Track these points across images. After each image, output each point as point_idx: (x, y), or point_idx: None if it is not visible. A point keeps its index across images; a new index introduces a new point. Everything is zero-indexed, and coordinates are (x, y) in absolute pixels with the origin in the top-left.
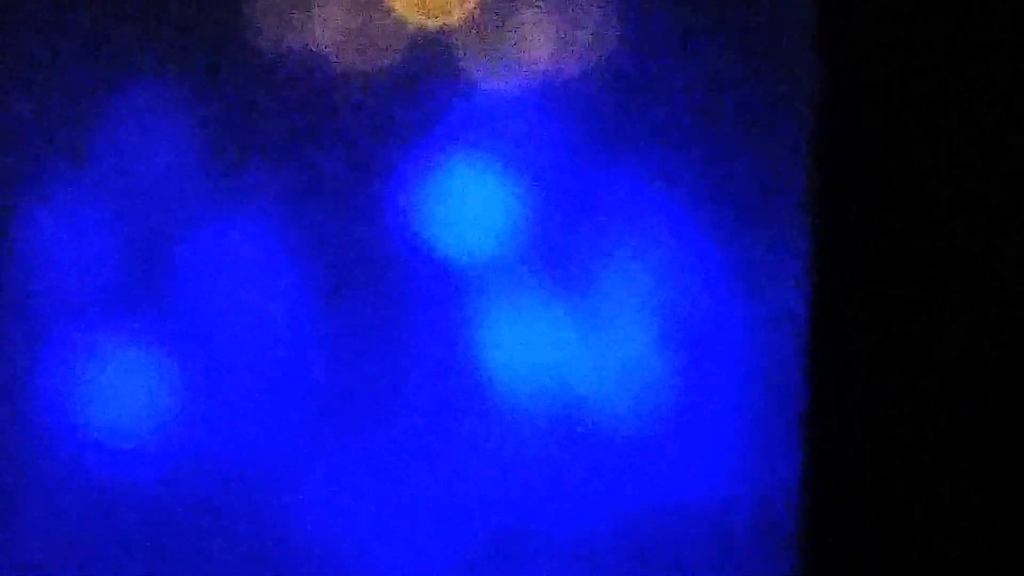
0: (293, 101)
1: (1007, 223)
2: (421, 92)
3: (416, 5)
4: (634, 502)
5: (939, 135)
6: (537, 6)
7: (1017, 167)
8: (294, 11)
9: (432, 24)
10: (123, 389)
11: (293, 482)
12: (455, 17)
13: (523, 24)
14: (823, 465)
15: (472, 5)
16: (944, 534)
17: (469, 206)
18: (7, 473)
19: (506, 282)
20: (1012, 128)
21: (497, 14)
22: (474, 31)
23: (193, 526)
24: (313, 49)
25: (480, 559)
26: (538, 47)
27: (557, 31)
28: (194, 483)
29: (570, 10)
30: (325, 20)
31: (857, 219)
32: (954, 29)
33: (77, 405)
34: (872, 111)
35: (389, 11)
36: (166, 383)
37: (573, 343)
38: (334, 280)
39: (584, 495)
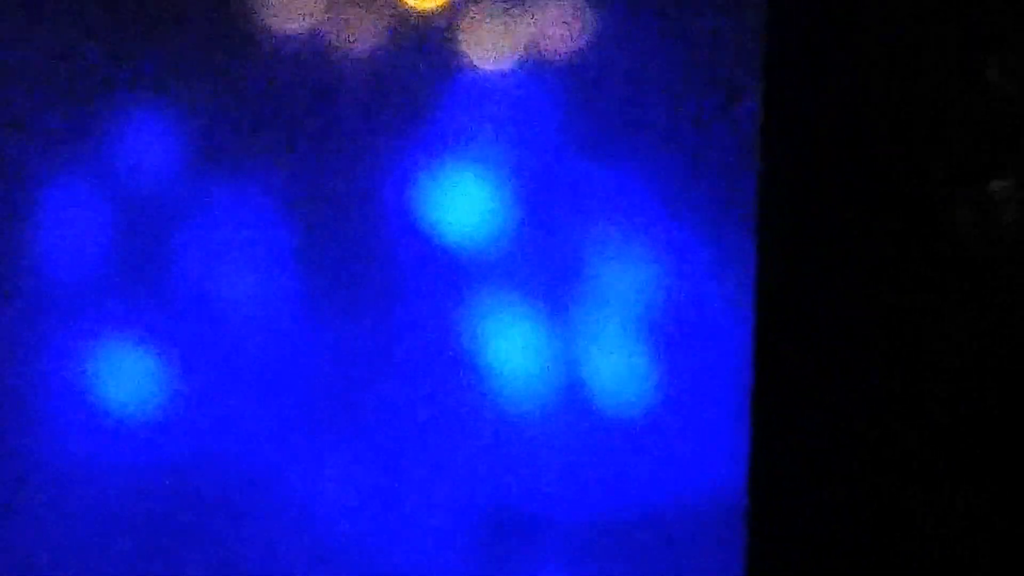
0: (290, 92)
1: (942, 219)
2: (417, 81)
3: None
4: (615, 485)
5: (877, 137)
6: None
7: (944, 168)
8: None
9: (427, 14)
10: (122, 378)
11: (291, 469)
12: (451, 7)
13: (516, 17)
14: (771, 457)
15: None
16: (888, 521)
17: (461, 194)
18: (9, 462)
19: (495, 271)
20: (948, 129)
21: (492, 5)
22: (469, 21)
23: (192, 512)
24: (310, 39)
25: (469, 542)
26: (529, 40)
27: (548, 26)
28: (193, 470)
29: (562, 6)
30: (322, 9)
31: (803, 218)
32: (892, 41)
33: (76, 394)
34: (818, 117)
35: (386, 1)
36: (165, 371)
37: (558, 334)
38: (331, 271)
39: (569, 481)
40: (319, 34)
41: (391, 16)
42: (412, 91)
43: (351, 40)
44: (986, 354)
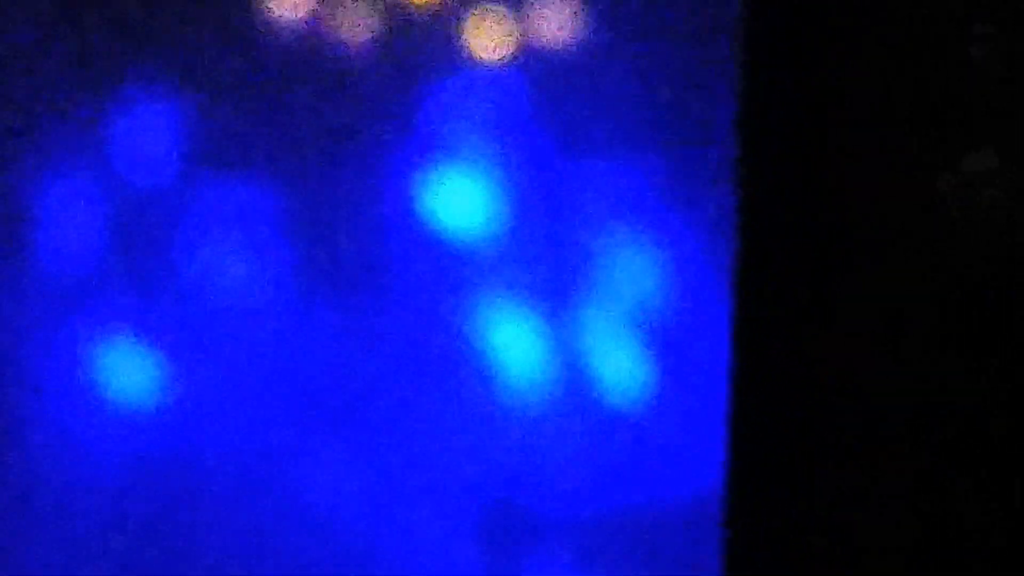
0: (286, 87)
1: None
2: (413, 76)
3: None
4: (611, 477)
5: (859, 119)
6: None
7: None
8: None
9: (424, 9)
10: (121, 370)
11: (292, 462)
12: (448, 3)
13: (512, 12)
14: (748, 456)
15: None
16: (860, 526)
17: (458, 188)
18: (14, 453)
19: (493, 265)
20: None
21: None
22: (466, 17)
23: (193, 502)
24: (307, 33)
25: (466, 534)
26: (524, 35)
27: (543, 21)
28: (194, 461)
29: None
30: (319, 4)
31: (781, 204)
32: (873, 21)
33: (78, 386)
34: (794, 107)
35: None
36: (164, 364)
37: (555, 328)
38: (331, 265)
39: (568, 477)
40: (316, 29)
41: (388, 11)
42: (409, 85)
43: (348, 34)
44: (976, 347)
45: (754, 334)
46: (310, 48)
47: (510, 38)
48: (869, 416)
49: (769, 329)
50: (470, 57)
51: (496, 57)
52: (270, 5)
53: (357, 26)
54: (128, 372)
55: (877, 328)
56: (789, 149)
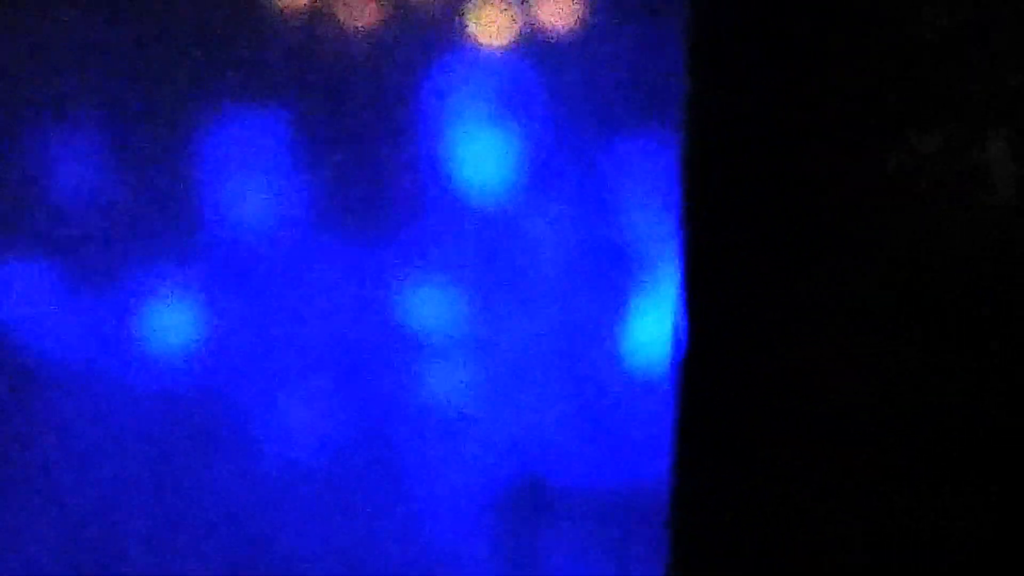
0: (296, 70)
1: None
2: (418, 59)
3: None
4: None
5: (809, 95)
6: None
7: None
8: None
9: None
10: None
11: (308, 434)
12: None
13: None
14: (695, 453)
15: None
16: (809, 520)
17: (475, 156)
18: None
19: (505, 230)
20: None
21: None
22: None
23: (215, 448)
24: (318, 17)
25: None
26: (529, 19)
27: (547, 5)
28: (217, 404)
29: None
30: None
31: (732, 215)
32: (818, 31)
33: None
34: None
35: None
36: (192, 300)
37: (569, 304)
38: (353, 220)
39: (584, 450)
40: (323, 10)
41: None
42: (414, 68)
43: (357, 17)
44: (938, 333)
45: (708, 319)
46: (318, 29)
47: (514, 23)
48: (829, 406)
49: (724, 316)
50: (476, 41)
51: (500, 42)
52: None
53: (366, 9)
54: (153, 312)
55: (836, 316)
56: (745, 135)
